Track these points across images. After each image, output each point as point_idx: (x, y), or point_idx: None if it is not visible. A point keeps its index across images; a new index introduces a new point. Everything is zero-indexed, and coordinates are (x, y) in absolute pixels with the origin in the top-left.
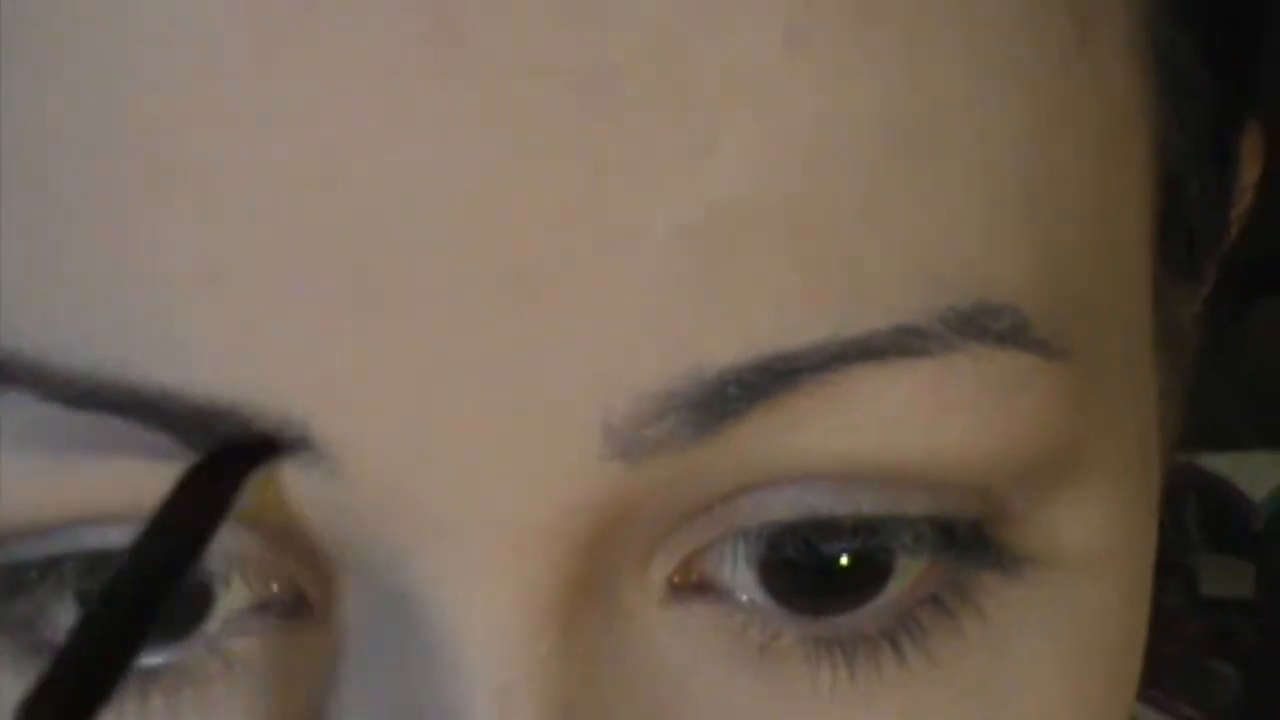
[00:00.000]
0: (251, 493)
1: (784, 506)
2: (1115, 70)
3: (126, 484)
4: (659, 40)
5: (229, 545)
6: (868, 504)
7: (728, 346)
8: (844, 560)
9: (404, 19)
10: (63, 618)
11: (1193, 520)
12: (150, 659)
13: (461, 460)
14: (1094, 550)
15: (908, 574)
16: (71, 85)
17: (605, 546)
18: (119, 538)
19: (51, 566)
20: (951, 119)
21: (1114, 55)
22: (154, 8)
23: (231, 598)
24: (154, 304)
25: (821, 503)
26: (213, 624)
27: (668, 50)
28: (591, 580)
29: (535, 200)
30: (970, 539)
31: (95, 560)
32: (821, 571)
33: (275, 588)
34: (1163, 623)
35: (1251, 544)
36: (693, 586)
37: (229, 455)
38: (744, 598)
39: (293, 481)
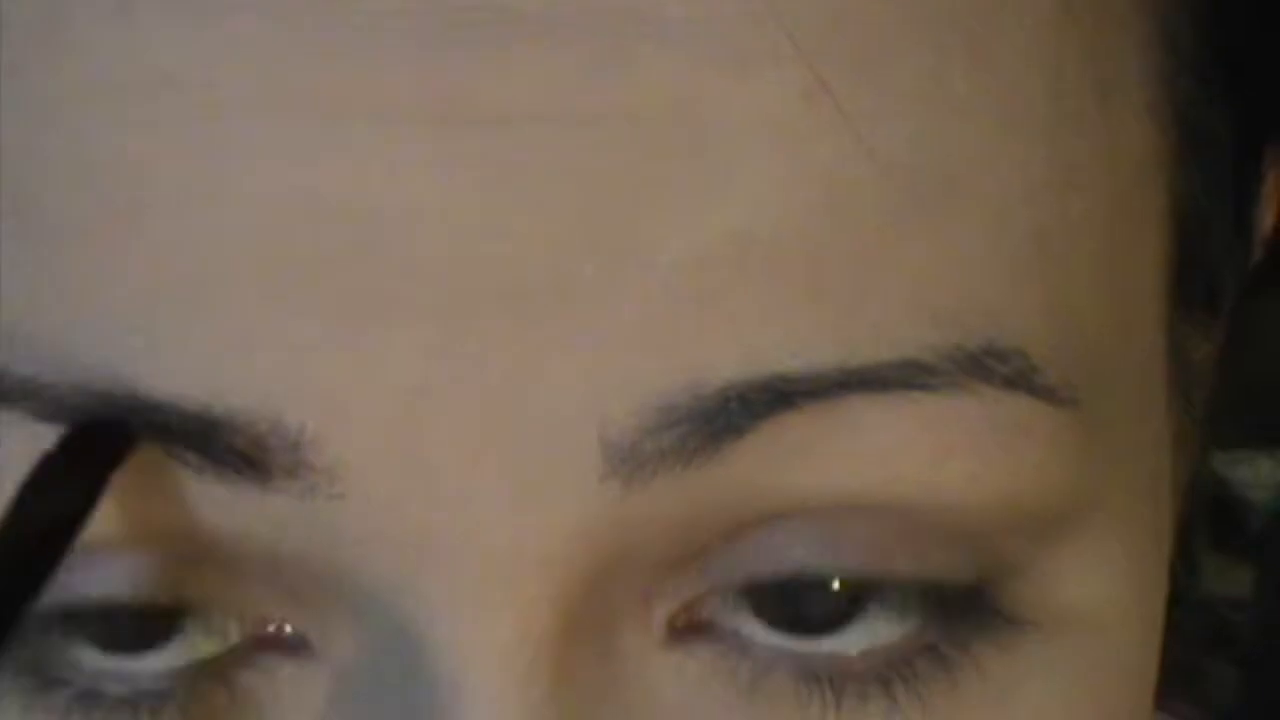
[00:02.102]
0: (247, 522)
1: (773, 561)
2: (1134, 129)
3: (132, 512)
4: (680, 88)
5: (225, 588)
6: (856, 560)
7: (730, 362)
8: (836, 586)
9: (409, 69)
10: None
11: (1192, 520)
12: (154, 681)
13: (457, 479)
14: (1101, 605)
15: (908, 625)
16: (68, 123)
17: (605, 581)
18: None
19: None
20: (967, 167)
21: (1133, 116)
22: (154, 52)
23: (231, 631)
24: (147, 316)
25: (810, 557)
26: (197, 648)
27: (688, 98)
28: (590, 619)
29: (538, 222)
30: (964, 603)
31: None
32: (818, 609)
33: (271, 628)
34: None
35: (1251, 544)
36: (692, 628)
37: (99, 433)
38: (740, 634)
39: (288, 511)
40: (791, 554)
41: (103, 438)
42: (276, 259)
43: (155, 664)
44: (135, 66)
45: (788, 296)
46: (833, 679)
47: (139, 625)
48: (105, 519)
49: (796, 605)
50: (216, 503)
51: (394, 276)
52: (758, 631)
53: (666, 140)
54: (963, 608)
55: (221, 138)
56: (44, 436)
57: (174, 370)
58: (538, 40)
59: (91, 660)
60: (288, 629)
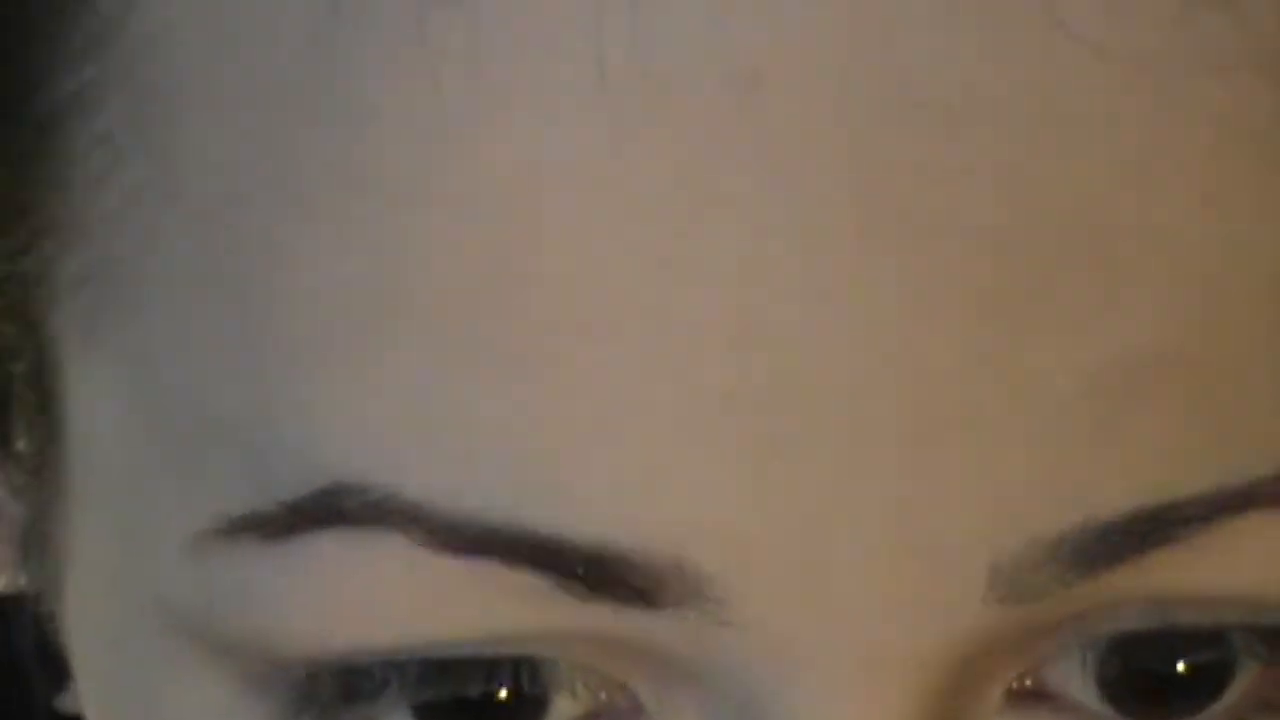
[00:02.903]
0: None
1: (1134, 617)
2: None
3: (489, 619)
4: (1084, 202)
5: (572, 654)
6: (1220, 618)
7: (1118, 496)
8: (1181, 668)
9: (829, 178)
10: None
11: None
12: None
13: (845, 602)
14: None
15: (1245, 679)
16: (478, 240)
17: (967, 673)
18: (462, 651)
19: (391, 672)
20: None
21: None
22: (565, 169)
23: (567, 704)
24: (548, 451)
25: (1173, 614)
26: None
27: (1091, 211)
28: (948, 704)
29: (945, 355)
30: None
31: (432, 669)
32: (1160, 679)
33: (604, 695)
34: None
35: None
36: (1032, 694)
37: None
38: (1084, 706)
39: (671, 625)
40: (1155, 612)
41: None
42: (694, 390)
43: None
44: (557, 179)
45: (1171, 420)
46: None
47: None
48: (471, 623)
49: (1140, 679)
50: (596, 613)
51: (806, 408)
52: (1100, 706)
53: (1067, 256)
54: None
55: (647, 258)
56: (424, 564)
57: (574, 506)
58: (951, 143)
59: None
60: (618, 698)
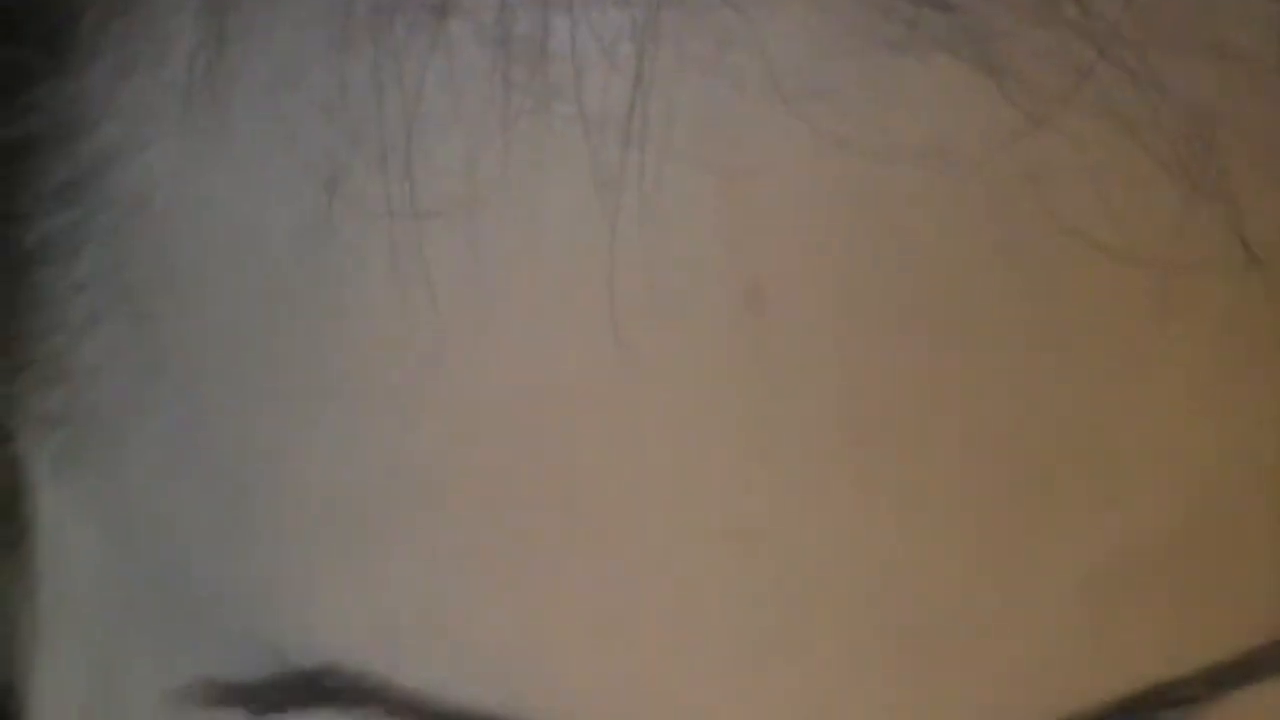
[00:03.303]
0: None
1: None
2: None
3: None
4: (1084, 401)
5: None
6: None
7: (1114, 685)
8: None
9: (827, 394)
10: None
11: None
12: None
13: None
14: None
15: None
16: (475, 448)
17: None
18: None
19: None
20: None
21: None
22: (566, 378)
23: None
24: (543, 653)
25: None
26: None
27: (1090, 410)
28: None
29: (939, 562)
30: None
31: None
32: None
33: None
34: None
35: None
36: None
37: None
38: None
39: None
40: None
41: None
42: (690, 600)
43: None
44: (557, 389)
45: (1166, 608)
46: None
47: None
48: None
49: None
50: None
51: (803, 614)
52: None
53: (1067, 453)
54: None
55: (646, 466)
56: None
57: (568, 709)
58: (951, 351)
59: None
60: None
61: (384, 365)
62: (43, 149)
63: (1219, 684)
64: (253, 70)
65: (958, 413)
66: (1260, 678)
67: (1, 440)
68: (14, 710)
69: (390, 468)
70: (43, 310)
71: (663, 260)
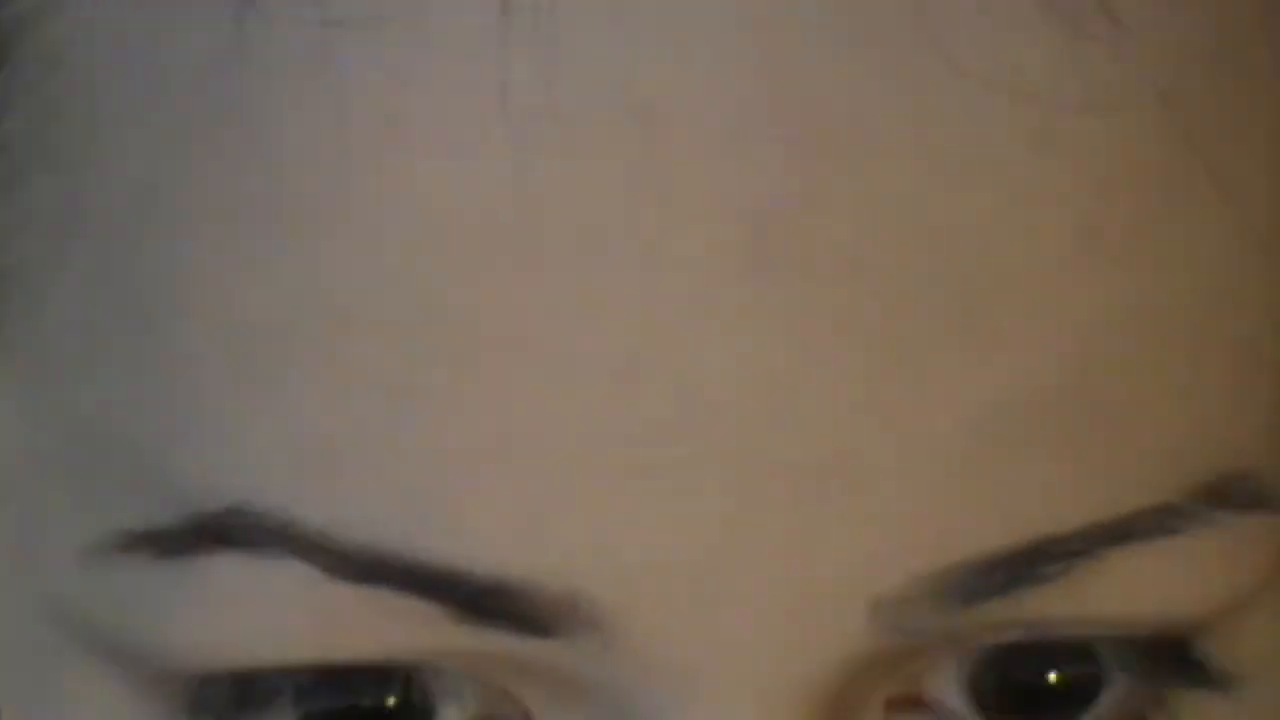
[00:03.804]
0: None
1: (1009, 634)
2: None
3: (383, 642)
4: (970, 245)
5: (463, 667)
6: (1094, 633)
7: (998, 533)
8: (1053, 678)
9: (720, 217)
10: None
11: None
12: None
13: (733, 633)
14: (1277, 650)
15: (1115, 691)
16: (380, 269)
17: (850, 693)
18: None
19: (283, 681)
20: (1215, 300)
21: None
22: (467, 200)
23: (454, 713)
24: (444, 482)
25: (1048, 631)
26: None
27: (976, 255)
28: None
29: (829, 396)
30: (1180, 656)
31: (323, 679)
32: (1031, 690)
33: (493, 705)
34: None
35: None
36: (910, 702)
37: None
38: (959, 713)
39: (565, 649)
40: (1004, 634)
41: None
42: (586, 425)
43: None
44: (459, 210)
45: (1046, 460)
46: None
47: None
48: (368, 644)
49: (1013, 689)
50: (490, 639)
51: (695, 443)
52: (969, 709)
53: (954, 291)
54: (1178, 663)
55: (546, 292)
56: (319, 589)
57: (467, 538)
58: (845, 176)
59: None
60: (510, 711)
61: (294, 187)
62: None
63: (1101, 541)
64: None
65: (847, 240)
66: (1142, 539)
67: None
68: None
69: (297, 291)
70: None
71: (557, 80)
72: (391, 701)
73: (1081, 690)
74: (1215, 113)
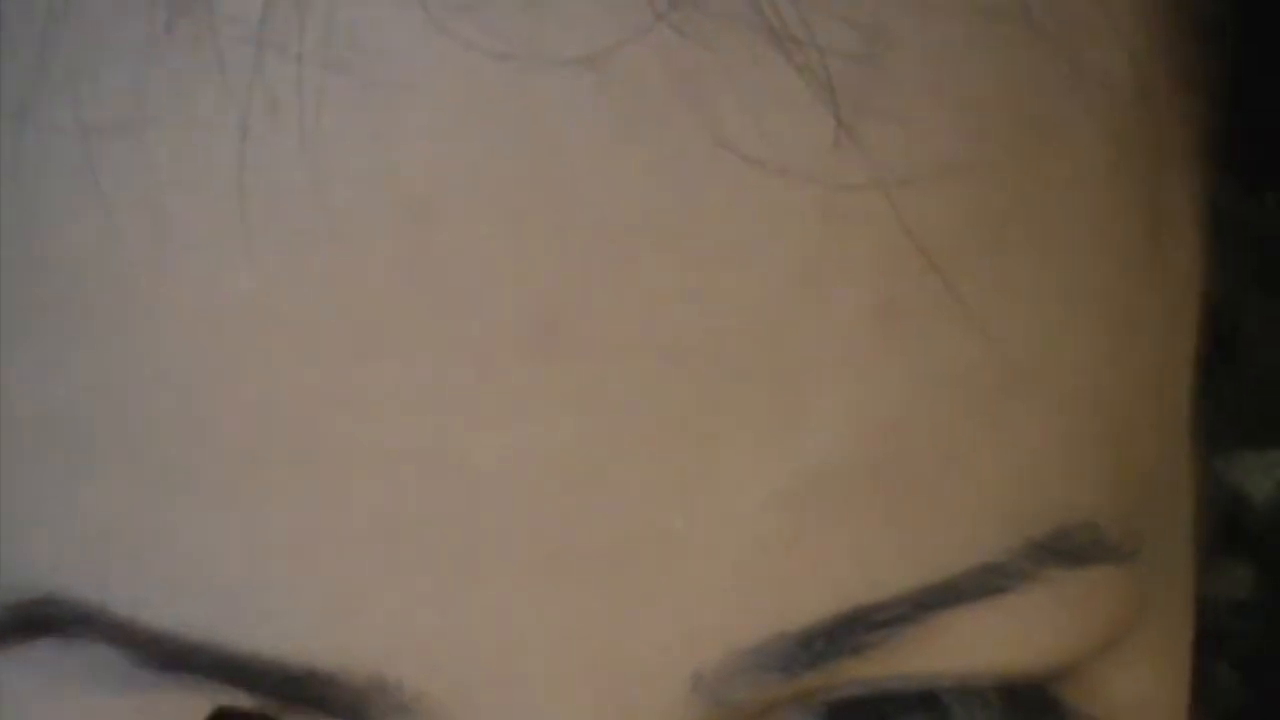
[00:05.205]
0: None
1: (855, 688)
2: (1181, 249)
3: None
4: (760, 316)
5: None
6: (939, 683)
7: (815, 605)
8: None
9: (503, 302)
10: None
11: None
12: None
13: (547, 713)
14: (1148, 698)
15: None
16: (166, 370)
17: None
18: None
19: None
20: (1035, 357)
21: (1181, 236)
22: (244, 297)
23: None
24: (247, 575)
25: (882, 687)
26: None
27: (767, 325)
28: None
29: (630, 476)
30: (1038, 703)
31: None
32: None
33: None
34: None
35: (1250, 544)
36: None
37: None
38: None
39: None
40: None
41: None
42: (385, 515)
43: None
44: (236, 307)
45: (865, 527)
46: None
47: None
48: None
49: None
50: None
51: (493, 530)
52: None
53: (748, 369)
54: (1034, 710)
55: (329, 385)
56: (133, 675)
57: (272, 628)
58: (624, 264)
59: None
60: None
61: (79, 290)
62: None
63: (923, 605)
64: None
65: (629, 324)
66: (966, 600)
67: None
68: None
69: (91, 390)
70: None
71: (328, 180)
72: None
73: None
74: (1020, 176)
